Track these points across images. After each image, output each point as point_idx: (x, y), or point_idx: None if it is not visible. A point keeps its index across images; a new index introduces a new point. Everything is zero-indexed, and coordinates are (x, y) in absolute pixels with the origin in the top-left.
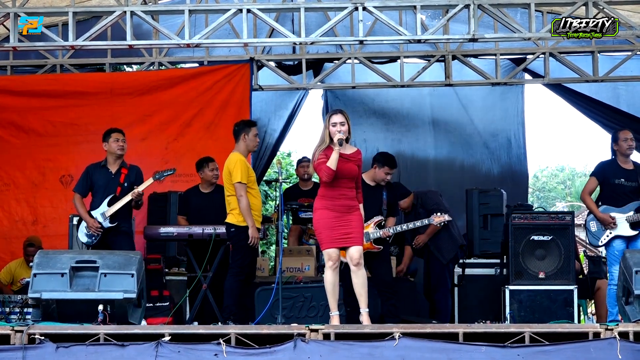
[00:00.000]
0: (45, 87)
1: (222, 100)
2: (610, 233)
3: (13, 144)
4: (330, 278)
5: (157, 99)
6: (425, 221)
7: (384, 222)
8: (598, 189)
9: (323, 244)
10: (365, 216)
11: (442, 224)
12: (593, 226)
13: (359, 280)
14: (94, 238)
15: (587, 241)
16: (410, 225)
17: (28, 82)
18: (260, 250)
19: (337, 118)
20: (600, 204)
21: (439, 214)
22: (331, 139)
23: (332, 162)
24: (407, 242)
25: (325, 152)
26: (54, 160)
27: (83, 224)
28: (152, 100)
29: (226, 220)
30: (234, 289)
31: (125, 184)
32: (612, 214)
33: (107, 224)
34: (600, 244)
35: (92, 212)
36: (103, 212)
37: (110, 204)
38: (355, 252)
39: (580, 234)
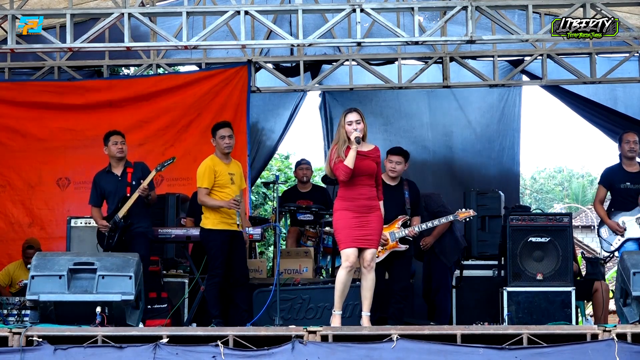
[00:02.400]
0: (45, 100)
1: (220, 104)
2: (621, 237)
3: (10, 147)
4: (342, 278)
5: (155, 106)
6: (450, 217)
7: (409, 221)
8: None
9: (341, 244)
10: (387, 216)
11: (468, 219)
12: (604, 232)
13: (367, 283)
14: (111, 240)
15: (601, 247)
16: (436, 222)
17: (27, 91)
18: (258, 251)
19: (353, 116)
20: (612, 210)
21: (463, 209)
22: (348, 138)
23: (350, 161)
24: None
25: (341, 152)
26: (50, 163)
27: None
28: (150, 106)
29: None
30: (207, 292)
31: (134, 182)
32: (622, 219)
33: (121, 223)
34: (612, 248)
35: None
36: (117, 214)
37: (122, 204)
38: (368, 255)
39: (578, 235)
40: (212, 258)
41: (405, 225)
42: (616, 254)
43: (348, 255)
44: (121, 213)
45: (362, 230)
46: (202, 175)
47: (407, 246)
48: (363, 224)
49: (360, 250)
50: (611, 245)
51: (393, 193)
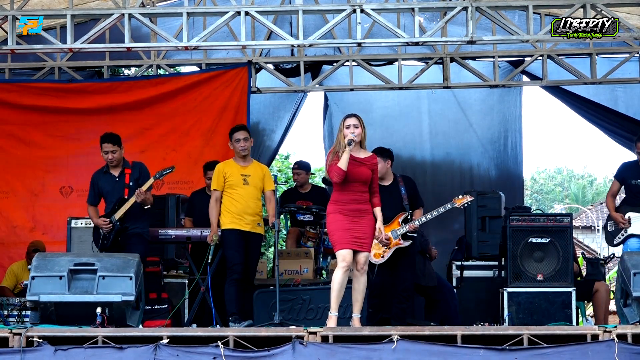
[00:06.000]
0: (47, 104)
1: (220, 107)
2: (625, 232)
3: (13, 155)
4: (339, 278)
5: (156, 111)
6: (448, 205)
7: (410, 216)
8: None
9: (336, 245)
10: (387, 215)
11: (466, 204)
12: (611, 226)
13: (360, 286)
14: (105, 241)
15: (606, 240)
16: (435, 213)
17: (29, 94)
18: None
19: (352, 120)
20: (623, 205)
21: (460, 196)
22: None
23: (343, 163)
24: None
25: (340, 156)
26: (54, 171)
27: (96, 229)
28: (151, 112)
29: None
30: (226, 289)
31: (131, 183)
32: (628, 214)
33: (117, 226)
34: (615, 242)
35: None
36: (113, 215)
37: (119, 206)
38: (362, 258)
39: (578, 236)
40: (228, 256)
41: (406, 221)
42: (618, 249)
43: (344, 256)
44: (117, 215)
45: (355, 233)
46: (213, 179)
47: (410, 241)
48: (356, 228)
49: (354, 253)
50: (614, 239)
51: (389, 192)
